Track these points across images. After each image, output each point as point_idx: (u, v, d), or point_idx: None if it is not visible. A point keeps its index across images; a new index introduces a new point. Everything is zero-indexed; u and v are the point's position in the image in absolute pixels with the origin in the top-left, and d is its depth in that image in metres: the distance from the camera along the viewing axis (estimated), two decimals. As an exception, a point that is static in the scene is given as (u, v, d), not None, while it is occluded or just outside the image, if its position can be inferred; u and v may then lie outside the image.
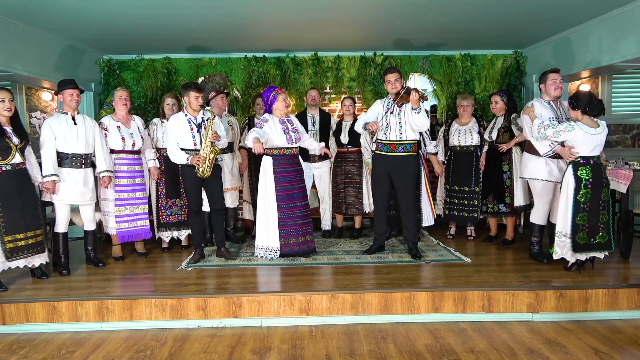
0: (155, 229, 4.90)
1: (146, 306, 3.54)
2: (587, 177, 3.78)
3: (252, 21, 4.84)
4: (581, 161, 3.80)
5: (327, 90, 6.41)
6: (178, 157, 4.25)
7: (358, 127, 4.49)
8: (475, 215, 5.09)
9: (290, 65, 6.28)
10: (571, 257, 3.88)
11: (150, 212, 4.76)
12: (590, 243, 3.84)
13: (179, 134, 4.25)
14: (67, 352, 3.14)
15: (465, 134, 5.09)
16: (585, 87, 6.21)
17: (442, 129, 5.34)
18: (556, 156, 4.06)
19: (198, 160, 4.18)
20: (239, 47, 5.97)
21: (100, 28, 4.96)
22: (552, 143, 3.95)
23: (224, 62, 6.28)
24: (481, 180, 5.08)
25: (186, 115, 4.30)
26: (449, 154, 5.21)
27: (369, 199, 5.27)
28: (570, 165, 3.84)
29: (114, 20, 4.68)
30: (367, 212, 5.35)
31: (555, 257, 3.96)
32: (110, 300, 3.55)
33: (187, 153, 4.23)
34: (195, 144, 4.26)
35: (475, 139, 5.06)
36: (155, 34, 5.24)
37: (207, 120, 4.30)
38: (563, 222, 3.87)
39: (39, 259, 3.93)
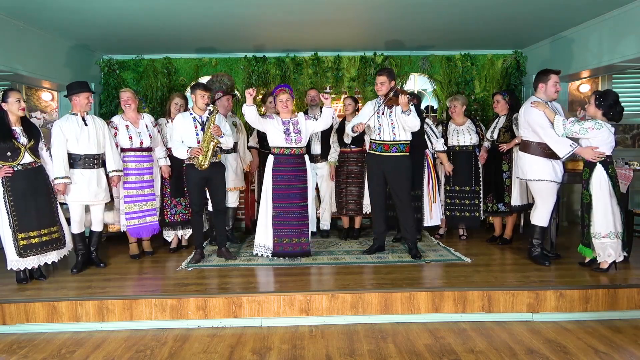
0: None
1: (146, 306, 3.54)
2: (614, 175, 3.85)
3: (252, 21, 4.85)
4: (608, 160, 3.83)
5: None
6: (179, 152, 4.27)
7: (348, 130, 4.52)
8: (477, 214, 5.10)
9: (290, 65, 6.28)
10: (619, 258, 3.89)
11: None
12: (625, 239, 3.95)
13: (184, 132, 4.28)
14: (67, 352, 3.14)
15: (463, 134, 5.07)
16: (585, 87, 6.22)
17: (440, 129, 5.30)
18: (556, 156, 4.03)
19: (197, 152, 4.20)
20: (239, 47, 5.97)
21: (100, 28, 4.96)
22: (572, 144, 3.86)
23: (224, 62, 6.28)
24: (481, 179, 5.08)
25: (191, 114, 4.34)
26: (447, 154, 5.19)
27: (368, 200, 5.27)
28: (600, 165, 3.82)
29: (114, 20, 4.68)
30: (366, 212, 5.35)
31: (599, 259, 3.92)
32: (110, 300, 3.55)
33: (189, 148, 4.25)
34: (198, 142, 4.28)
35: (474, 139, 5.05)
36: (155, 34, 5.25)
37: (209, 114, 4.33)
38: (606, 224, 3.81)
39: (57, 255, 4.02)
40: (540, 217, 4.19)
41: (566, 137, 3.88)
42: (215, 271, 4.20)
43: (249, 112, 4.31)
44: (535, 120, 3.96)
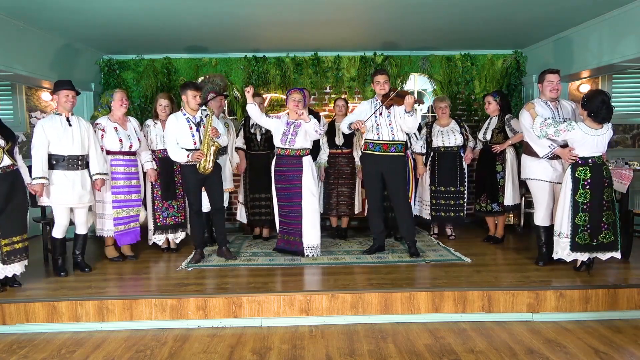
0: (150, 232, 4.81)
1: (146, 306, 3.54)
2: (585, 178, 3.76)
3: (252, 21, 4.84)
4: (580, 162, 3.78)
5: (327, 90, 6.41)
6: (178, 156, 4.23)
7: (344, 128, 4.53)
8: (462, 215, 5.17)
9: (290, 65, 6.28)
10: (567, 257, 3.87)
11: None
12: (591, 244, 3.81)
13: (178, 134, 4.25)
14: (67, 352, 3.14)
15: (448, 135, 5.13)
16: (585, 87, 6.21)
17: (424, 130, 5.31)
18: (555, 157, 4.02)
19: (199, 156, 4.18)
20: (239, 47, 5.97)
21: (100, 28, 4.96)
22: (551, 144, 3.91)
23: (224, 62, 6.28)
24: (466, 179, 5.17)
25: (184, 114, 4.30)
26: (432, 155, 5.23)
27: (358, 200, 5.32)
28: (569, 166, 3.82)
29: (114, 20, 4.68)
30: (356, 212, 5.38)
31: (555, 256, 3.96)
32: (110, 300, 3.55)
33: (188, 152, 4.22)
34: (195, 143, 4.25)
35: (458, 140, 5.12)
36: (155, 34, 5.24)
37: (205, 117, 4.31)
38: (560, 223, 3.88)
39: (19, 267, 3.77)
40: (538, 217, 4.22)
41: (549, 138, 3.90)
42: (215, 271, 4.20)
43: (251, 110, 4.47)
44: (521, 121, 4.11)
